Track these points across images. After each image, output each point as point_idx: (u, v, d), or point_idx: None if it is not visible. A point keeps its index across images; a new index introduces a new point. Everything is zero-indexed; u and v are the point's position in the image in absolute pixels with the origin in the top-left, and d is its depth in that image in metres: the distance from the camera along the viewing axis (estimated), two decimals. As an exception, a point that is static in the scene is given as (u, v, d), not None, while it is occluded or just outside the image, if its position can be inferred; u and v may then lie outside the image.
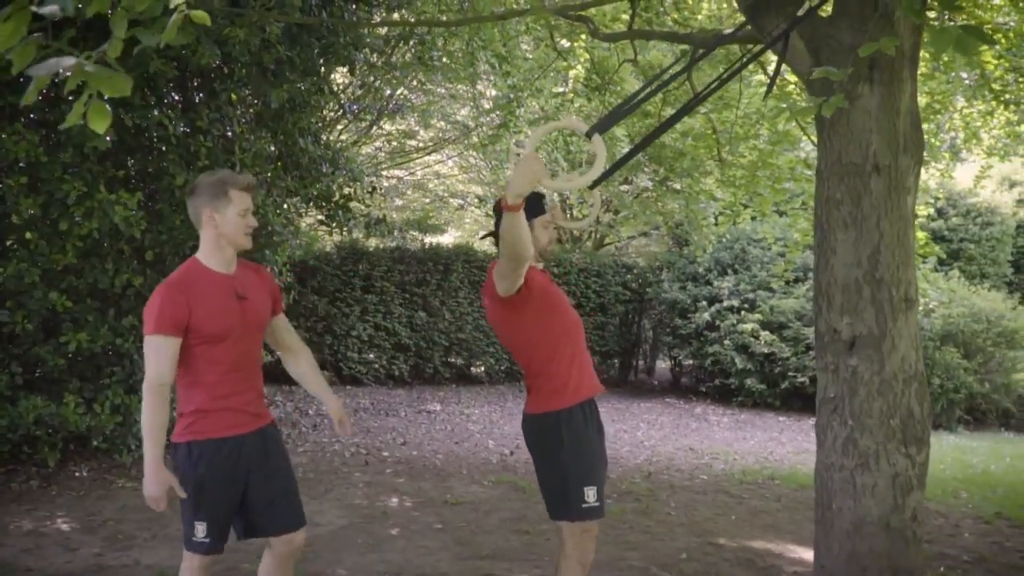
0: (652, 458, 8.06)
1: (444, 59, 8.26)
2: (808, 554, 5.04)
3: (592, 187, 3.12)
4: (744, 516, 5.93)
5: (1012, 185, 18.03)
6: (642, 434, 9.65)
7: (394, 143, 12.73)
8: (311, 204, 7.21)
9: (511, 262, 2.88)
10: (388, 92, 10.21)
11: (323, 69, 6.91)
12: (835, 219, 3.95)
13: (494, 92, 11.47)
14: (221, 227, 2.83)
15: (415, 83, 9.73)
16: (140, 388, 6.60)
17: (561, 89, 7.48)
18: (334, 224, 7.36)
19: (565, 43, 7.05)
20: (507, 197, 2.73)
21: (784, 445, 9.39)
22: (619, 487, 6.63)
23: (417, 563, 4.61)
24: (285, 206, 7.23)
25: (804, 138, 7.16)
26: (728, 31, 5.49)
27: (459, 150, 14.15)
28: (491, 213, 3.48)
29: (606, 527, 5.46)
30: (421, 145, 13.42)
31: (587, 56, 7.01)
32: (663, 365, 16.08)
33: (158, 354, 2.74)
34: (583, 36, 6.81)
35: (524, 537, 5.20)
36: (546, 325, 3.10)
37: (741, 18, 6.09)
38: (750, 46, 4.92)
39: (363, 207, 7.57)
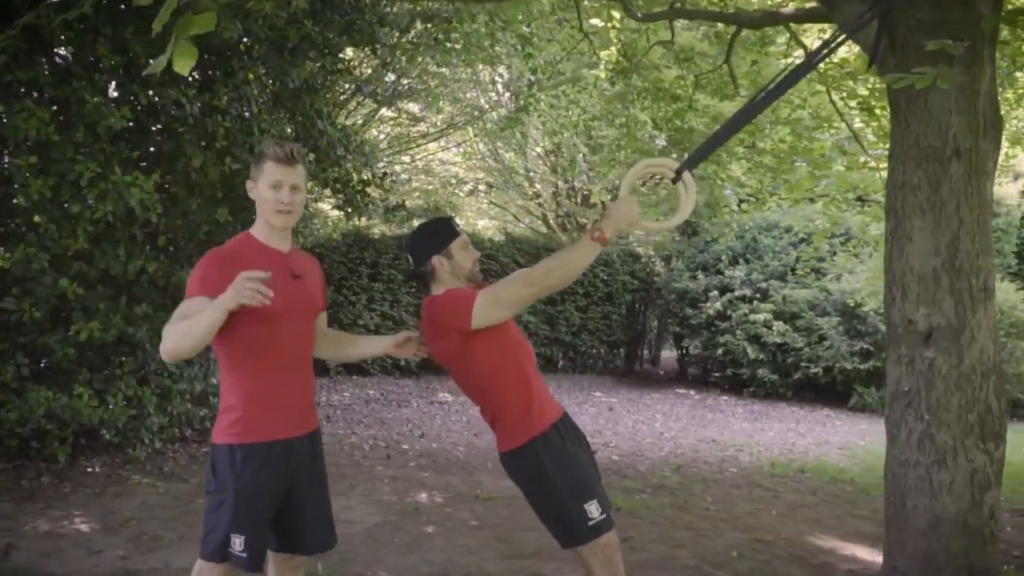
0: (676, 450, 7.89)
1: (460, 43, 8.02)
2: (859, 550, 4.93)
3: (674, 180, 2.92)
4: (784, 511, 5.77)
5: (1016, 176, 17.95)
6: (660, 425, 9.49)
7: (399, 128, 12.47)
8: (328, 188, 6.97)
9: (546, 291, 2.83)
10: (398, 75, 9.95)
11: (344, 48, 6.67)
12: (911, 205, 3.77)
13: (505, 75, 11.27)
14: (257, 200, 2.58)
15: (432, 65, 9.48)
16: (153, 379, 6.40)
17: (593, 72, 7.26)
18: (351, 209, 7.12)
19: (596, 22, 6.83)
20: (607, 232, 2.70)
21: (804, 436, 9.24)
22: (651, 481, 6.45)
23: (461, 563, 4.42)
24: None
25: (834, 126, 6.97)
26: (783, 9, 5.30)
27: (469, 135, 13.91)
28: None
29: (648, 524, 5.30)
30: (428, 131, 13.17)
31: (618, 38, 6.78)
32: (667, 355, 15.96)
33: (186, 307, 2.44)
34: (616, 16, 6.59)
35: (565, 534, 5.01)
36: (498, 354, 2.82)
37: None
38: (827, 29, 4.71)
39: (382, 192, 7.33)
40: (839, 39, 3.31)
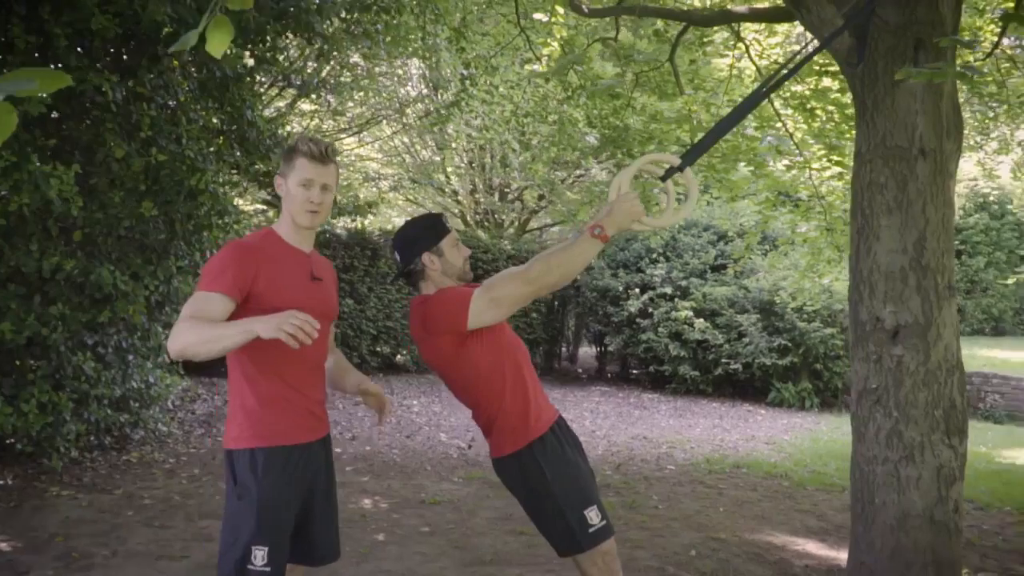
0: (612, 448, 7.89)
1: (388, 35, 7.79)
2: (810, 546, 4.98)
3: (664, 179, 2.84)
4: (730, 507, 5.80)
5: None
6: (590, 423, 9.49)
7: (317, 120, 12.12)
8: (260, 183, 6.66)
9: (546, 289, 2.63)
10: (319, 65, 9.62)
11: (275, 36, 6.36)
12: (879, 204, 3.80)
13: (425, 70, 11.06)
14: (285, 197, 2.47)
15: (356, 57, 9.20)
16: (68, 384, 5.98)
17: (535, 67, 7.15)
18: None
19: (540, 17, 6.73)
20: (608, 230, 2.60)
21: (730, 432, 9.38)
22: (594, 480, 6.41)
23: (420, 572, 4.26)
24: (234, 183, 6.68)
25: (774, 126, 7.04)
26: (737, 8, 5.30)
27: (389, 130, 13.62)
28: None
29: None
30: (346, 125, 12.83)
31: (560, 34, 6.69)
32: (583, 352, 16.03)
33: (202, 303, 2.27)
34: (560, 11, 6.51)
35: (521, 538, 4.91)
36: (494, 356, 2.70)
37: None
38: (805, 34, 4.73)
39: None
40: (816, 48, 3.28)
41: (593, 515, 2.69)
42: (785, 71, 3.12)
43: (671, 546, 4.82)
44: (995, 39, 6.86)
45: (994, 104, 8.00)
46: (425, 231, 2.80)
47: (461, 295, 2.64)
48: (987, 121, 8.61)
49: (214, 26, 1.64)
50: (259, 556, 2.34)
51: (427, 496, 5.78)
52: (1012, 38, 7.21)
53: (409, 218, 3.06)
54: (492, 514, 5.42)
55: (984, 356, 13.00)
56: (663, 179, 2.83)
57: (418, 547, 4.66)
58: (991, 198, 16.80)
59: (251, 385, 2.42)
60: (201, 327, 2.19)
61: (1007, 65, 7.25)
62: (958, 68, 2.47)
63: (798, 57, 3.29)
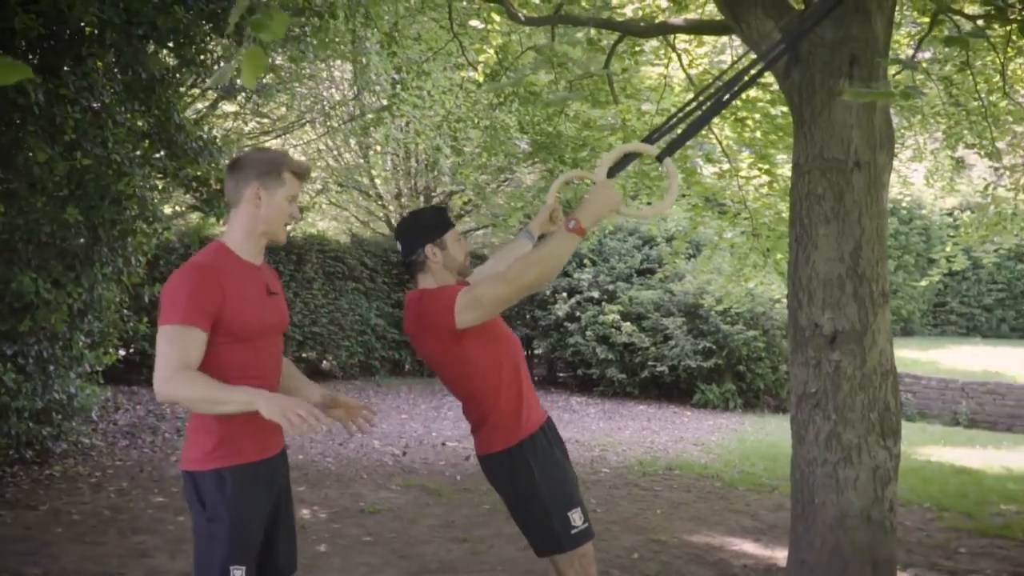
0: (545, 453, 7.94)
1: (315, 39, 7.68)
2: (747, 546, 5.11)
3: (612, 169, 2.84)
4: (667, 510, 5.90)
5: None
6: (522, 428, 9.52)
7: (239, 122, 11.85)
8: (187, 188, 6.48)
9: (528, 290, 2.61)
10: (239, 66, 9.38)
11: (203, 37, 6.20)
12: (817, 214, 3.93)
13: (350, 74, 10.89)
14: (264, 209, 2.40)
15: (283, 59, 9.03)
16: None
17: (470, 73, 7.14)
18: (210, 211, 6.65)
19: (476, 24, 6.73)
20: (583, 222, 2.55)
21: (659, 434, 9.55)
22: (532, 485, 6.44)
23: (367, 583, 4.21)
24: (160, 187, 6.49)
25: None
26: (673, 20, 5.40)
27: (313, 133, 13.41)
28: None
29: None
30: (268, 127, 12.58)
31: (495, 40, 6.71)
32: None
33: (184, 343, 2.20)
34: (496, 18, 6.52)
35: (464, 545, 4.91)
36: (488, 347, 2.72)
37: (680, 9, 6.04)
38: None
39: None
40: (758, 69, 3.37)
41: (576, 517, 2.74)
42: (753, 72, 3.18)
43: (613, 549, 4.88)
44: (911, 52, 7.20)
45: (908, 114, 8.35)
46: (430, 223, 2.81)
47: (450, 294, 2.65)
48: (902, 130, 8.97)
49: (248, 57, 1.62)
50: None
51: (366, 505, 5.71)
52: (927, 51, 7.55)
53: (413, 209, 3.07)
54: (434, 522, 5.39)
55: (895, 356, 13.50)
56: (659, 159, 2.81)
57: (361, 557, 4.61)
58: (903, 204, 17.50)
59: None
60: (200, 384, 2.17)
61: (921, 77, 7.60)
62: (904, 88, 2.56)
63: (755, 66, 3.36)
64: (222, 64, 8.44)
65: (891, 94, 2.81)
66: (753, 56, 3.74)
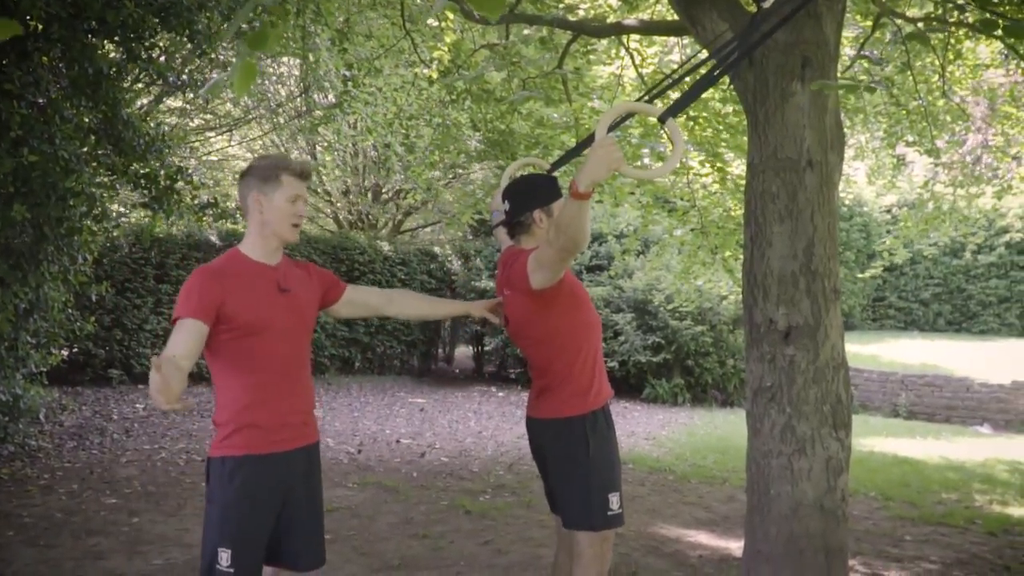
0: (500, 448, 7.97)
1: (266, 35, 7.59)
2: (702, 537, 5.22)
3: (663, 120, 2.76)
4: (623, 503, 5.98)
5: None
6: (475, 424, 9.55)
7: (184, 118, 11.64)
8: (134, 185, 6.36)
9: (565, 252, 2.59)
10: (184, 62, 9.24)
11: (152, 32, 6.08)
12: (771, 212, 4.03)
13: (296, 71, 10.78)
14: (266, 213, 2.56)
15: (231, 55, 8.90)
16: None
17: (425, 71, 7.12)
18: (160, 209, 6.54)
19: (432, 23, 6.72)
20: (579, 184, 2.42)
21: (610, 429, 9.64)
22: (489, 481, 6.47)
23: (330, 582, 4.20)
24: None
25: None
26: (627, 21, 5.46)
27: (260, 129, 13.24)
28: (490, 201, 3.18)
29: (502, 526, 5.32)
30: (215, 124, 12.38)
31: (452, 37, 6.71)
32: (460, 352, 16.09)
33: (179, 333, 2.39)
34: (451, 16, 6.52)
35: (424, 541, 4.93)
36: (573, 321, 2.87)
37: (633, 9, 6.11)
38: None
39: (192, 190, 6.81)
40: (717, 72, 3.45)
41: (615, 501, 2.89)
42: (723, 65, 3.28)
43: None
44: (853, 53, 7.40)
45: (851, 114, 8.57)
46: (543, 188, 2.93)
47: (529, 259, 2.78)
48: (845, 129, 9.22)
49: (241, 69, 1.64)
50: (224, 557, 2.45)
51: (325, 503, 5.68)
52: (869, 51, 7.76)
53: (525, 174, 3.15)
54: (392, 519, 5.40)
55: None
56: (661, 120, 2.71)
57: (323, 557, 4.59)
58: (844, 202, 17.92)
59: (225, 398, 2.54)
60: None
61: (864, 78, 7.80)
62: (868, 83, 2.67)
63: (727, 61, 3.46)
64: (165, 59, 8.33)
65: (855, 86, 2.92)
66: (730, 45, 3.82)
